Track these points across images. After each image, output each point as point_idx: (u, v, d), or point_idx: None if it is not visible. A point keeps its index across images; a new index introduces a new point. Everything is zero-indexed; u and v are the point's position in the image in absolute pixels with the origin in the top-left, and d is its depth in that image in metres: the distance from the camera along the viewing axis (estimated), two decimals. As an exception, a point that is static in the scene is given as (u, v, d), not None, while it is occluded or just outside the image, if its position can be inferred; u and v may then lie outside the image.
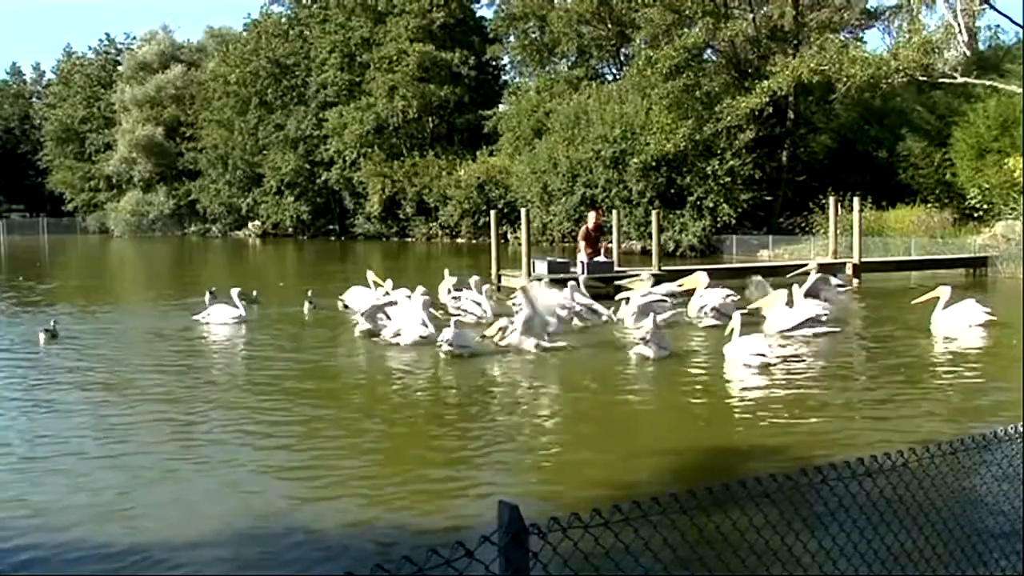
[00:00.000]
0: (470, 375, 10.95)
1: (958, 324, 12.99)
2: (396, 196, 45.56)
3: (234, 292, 15.62)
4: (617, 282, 16.02)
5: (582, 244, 18.93)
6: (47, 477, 6.96)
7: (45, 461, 7.40)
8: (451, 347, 11.40)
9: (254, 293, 17.78)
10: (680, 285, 14.90)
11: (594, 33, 41.12)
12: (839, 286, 17.27)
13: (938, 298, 13.34)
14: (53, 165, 68.86)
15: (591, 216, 19.71)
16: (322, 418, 8.80)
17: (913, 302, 13.94)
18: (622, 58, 42.44)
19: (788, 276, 17.81)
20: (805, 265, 18.34)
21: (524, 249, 18.32)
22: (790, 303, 13.32)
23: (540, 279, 17.08)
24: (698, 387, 10.12)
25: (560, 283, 15.14)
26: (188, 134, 57.65)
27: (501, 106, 46.69)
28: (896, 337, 12.95)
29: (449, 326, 11.75)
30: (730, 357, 10.73)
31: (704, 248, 31.04)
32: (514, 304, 13.74)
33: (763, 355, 10.42)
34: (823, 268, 18.62)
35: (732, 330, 10.95)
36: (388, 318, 13.27)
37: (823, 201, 26.30)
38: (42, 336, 13.61)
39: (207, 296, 17.42)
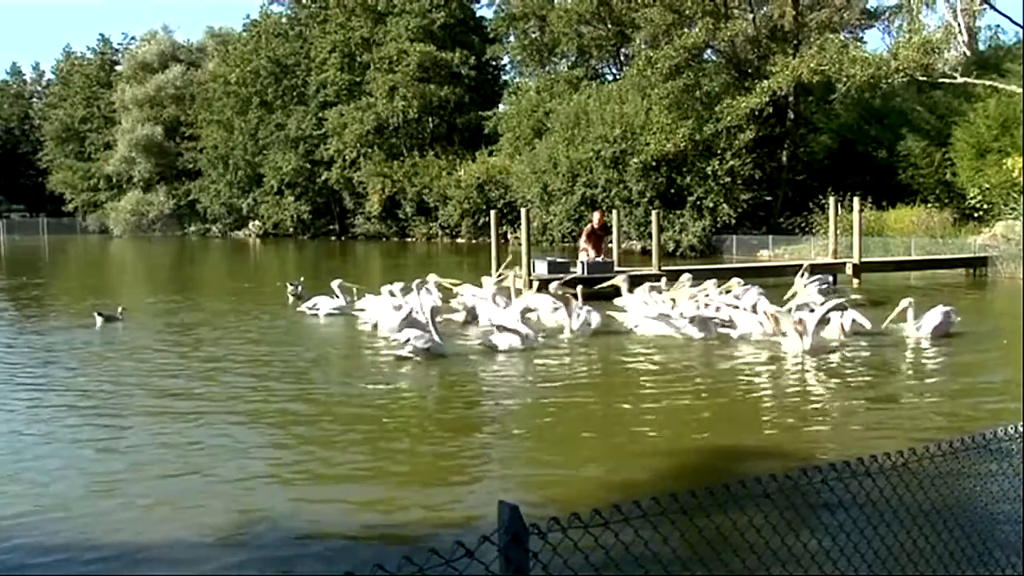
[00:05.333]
0: (468, 376, 10.95)
1: (928, 332, 12.50)
2: (396, 196, 45.59)
3: (335, 284, 16.08)
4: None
5: (587, 243, 18.87)
6: (46, 466, 6.97)
7: (47, 456, 7.41)
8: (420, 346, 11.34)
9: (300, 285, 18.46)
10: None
11: (594, 33, 41.12)
12: (823, 284, 17.15)
13: (905, 310, 12.72)
14: (53, 165, 68.87)
15: (596, 216, 19.66)
16: (321, 419, 8.80)
17: (883, 326, 12.75)
18: (622, 58, 42.45)
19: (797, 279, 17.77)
20: (801, 265, 18.35)
21: (524, 249, 18.31)
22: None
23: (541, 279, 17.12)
24: (698, 388, 10.11)
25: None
26: (188, 134, 57.66)
27: (501, 106, 46.72)
28: (895, 337, 12.91)
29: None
30: None
31: (704, 248, 31.03)
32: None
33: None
34: (818, 268, 18.66)
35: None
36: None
37: (823, 201, 26.29)
38: (99, 320, 14.89)
39: (289, 288, 18.23)
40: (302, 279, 18.87)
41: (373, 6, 47.24)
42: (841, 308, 12.32)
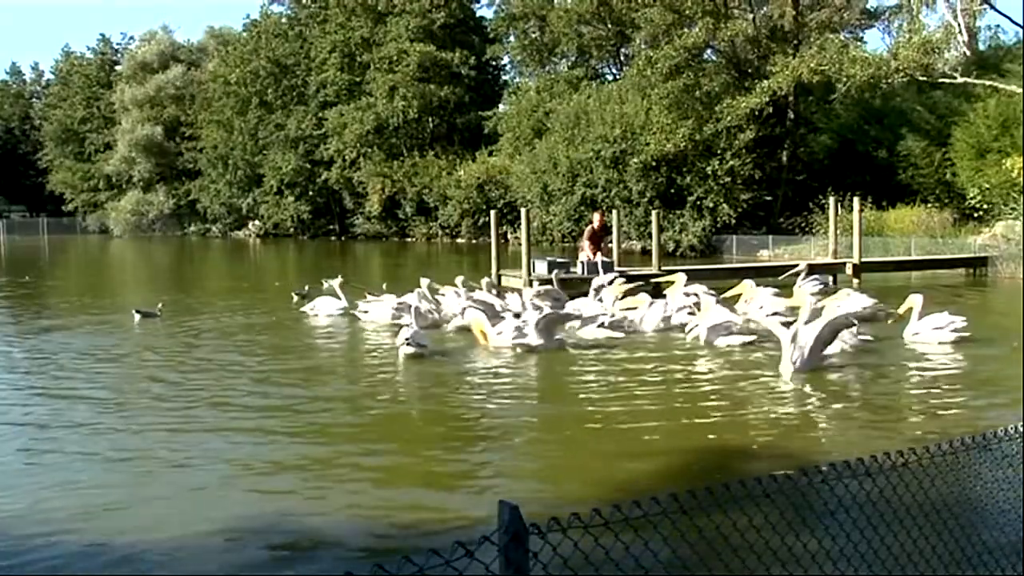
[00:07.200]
0: (469, 377, 10.95)
1: (932, 336, 12.31)
2: (396, 196, 45.60)
3: (335, 283, 16.23)
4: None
5: (587, 244, 18.96)
6: (49, 470, 6.98)
7: (50, 456, 7.41)
8: (411, 346, 11.54)
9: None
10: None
11: (594, 33, 41.13)
12: (821, 284, 17.11)
13: (911, 308, 12.57)
14: (53, 165, 68.86)
15: (596, 216, 19.76)
16: (320, 419, 8.80)
17: (889, 321, 12.55)
18: (622, 58, 42.47)
19: (781, 277, 17.75)
20: (797, 266, 18.33)
21: (524, 249, 18.32)
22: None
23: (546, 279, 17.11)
24: (698, 388, 10.12)
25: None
26: (188, 134, 57.65)
27: (501, 106, 46.72)
28: (893, 337, 12.89)
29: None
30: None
31: (704, 248, 31.04)
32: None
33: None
34: (815, 268, 18.64)
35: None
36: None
37: (823, 201, 26.29)
38: (136, 316, 15.35)
39: (324, 285, 18.34)
40: (339, 276, 18.93)
41: (373, 6, 47.23)
42: (848, 324, 11.89)
